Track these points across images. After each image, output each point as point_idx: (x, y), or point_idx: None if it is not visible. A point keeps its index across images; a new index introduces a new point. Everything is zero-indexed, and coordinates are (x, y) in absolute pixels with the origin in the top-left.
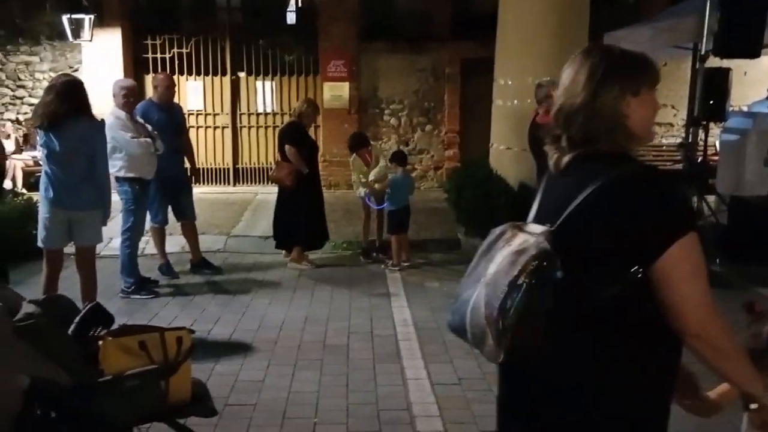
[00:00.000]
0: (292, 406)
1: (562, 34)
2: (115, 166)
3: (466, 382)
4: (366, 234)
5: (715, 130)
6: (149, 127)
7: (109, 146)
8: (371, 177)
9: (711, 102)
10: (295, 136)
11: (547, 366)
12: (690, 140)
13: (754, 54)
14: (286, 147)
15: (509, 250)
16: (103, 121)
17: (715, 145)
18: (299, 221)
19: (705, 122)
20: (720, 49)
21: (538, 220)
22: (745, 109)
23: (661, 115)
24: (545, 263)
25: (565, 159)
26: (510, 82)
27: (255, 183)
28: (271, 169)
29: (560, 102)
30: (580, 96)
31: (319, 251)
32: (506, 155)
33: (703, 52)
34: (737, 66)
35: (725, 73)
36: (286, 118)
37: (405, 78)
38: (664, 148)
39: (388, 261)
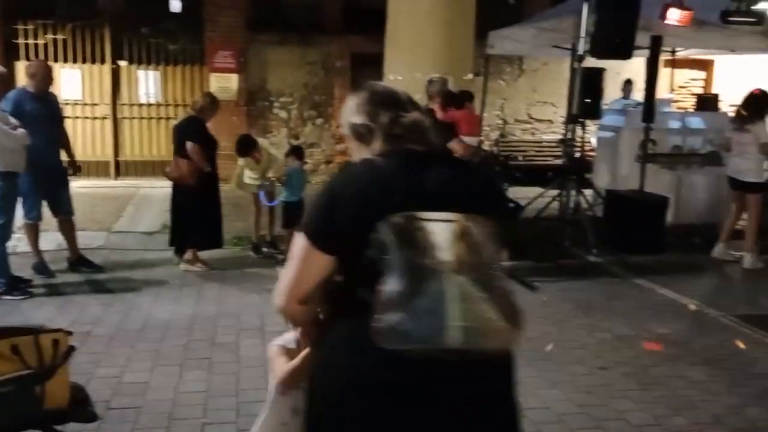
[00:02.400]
0: (179, 407)
1: (450, 30)
2: None
3: None
4: (257, 229)
5: (591, 127)
6: (12, 119)
7: None
8: (271, 174)
9: (587, 100)
10: (196, 132)
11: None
12: (569, 137)
13: (626, 55)
14: (189, 144)
15: (447, 236)
16: None
17: (591, 142)
18: (196, 221)
19: (582, 119)
20: (595, 49)
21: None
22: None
23: (542, 112)
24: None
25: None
26: (399, 78)
27: (137, 176)
28: (163, 164)
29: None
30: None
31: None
32: None
33: (580, 53)
34: (611, 66)
35: (600, 72)
36: (171, 110)
37: (295, 71)
38: (544, 144)
39: (279, 256)
